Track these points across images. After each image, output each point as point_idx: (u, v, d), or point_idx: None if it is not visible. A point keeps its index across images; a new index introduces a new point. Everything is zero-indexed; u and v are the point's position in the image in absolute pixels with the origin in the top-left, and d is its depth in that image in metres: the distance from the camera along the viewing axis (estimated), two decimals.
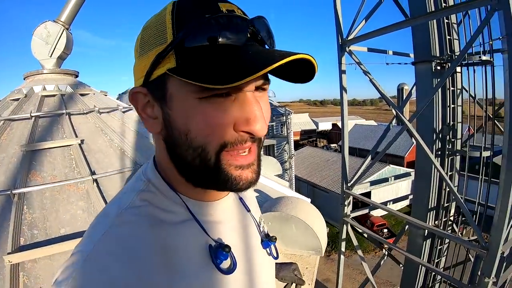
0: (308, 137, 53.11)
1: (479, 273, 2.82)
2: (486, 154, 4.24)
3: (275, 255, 0.92)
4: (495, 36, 3.42)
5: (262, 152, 0.70)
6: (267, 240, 0.89)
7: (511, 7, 2.22)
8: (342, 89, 6.35)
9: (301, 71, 0.61)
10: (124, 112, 3.87)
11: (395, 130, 7.57)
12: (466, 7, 2.90)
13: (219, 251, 0.68)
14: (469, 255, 4.76)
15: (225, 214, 0.76)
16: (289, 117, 17.83)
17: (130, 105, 4.02)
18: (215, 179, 0.63)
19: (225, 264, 0.69)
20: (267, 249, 0.89)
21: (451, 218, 4.62)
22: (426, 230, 4.34)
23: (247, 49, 0.56)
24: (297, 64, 0.56)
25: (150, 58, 0.60)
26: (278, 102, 27.83)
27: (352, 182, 6.63)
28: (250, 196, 0.96)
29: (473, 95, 4.44)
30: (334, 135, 49.48)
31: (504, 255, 2.66)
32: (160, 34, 0.59)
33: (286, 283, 1.57)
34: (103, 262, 0.55)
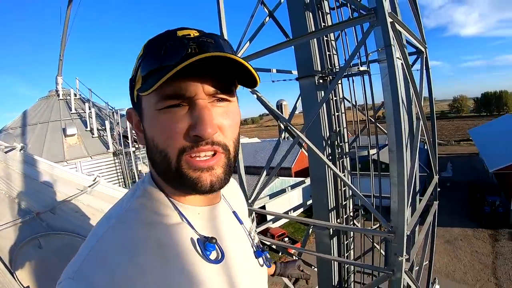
0: None
1: (392, 254, 3.19)
2: (373, 151, 4.75)
3: (268, 264, 1.00)
4: (369, 49, 4.02)
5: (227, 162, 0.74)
6: (259, 250, 0.96)
7: (388, 24, 2.73)
8: None
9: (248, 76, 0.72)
10: (6, 152, 3.38)
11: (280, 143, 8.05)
12: (347, 25, 3.36)
13: (207, 243, 0.76)
14: (374, 243, 5.34)
15: (216, 219, 0.86)
16: None
17: (11, 145, 3.55)
18: (178, 180, 0.72)
19: (213, 254, 0.78)
20: (260, 258, 0.96)
21: (351, 214, 5.06)
22: (331, 229, 4.61)
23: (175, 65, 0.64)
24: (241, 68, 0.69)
25: (135, 82, 0.75)
26: None
27: (252, 198, 6.82)
28: (243, 210, 1.06)
29: (355, 102, 4.93)
30: None
31: (409, 234, 3.08)
32: (136, 62, 0.75)
33: (294, 279, 1.70)
34: (104, 255, 0.65)
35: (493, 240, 19.47)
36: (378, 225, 5.45)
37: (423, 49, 4.48)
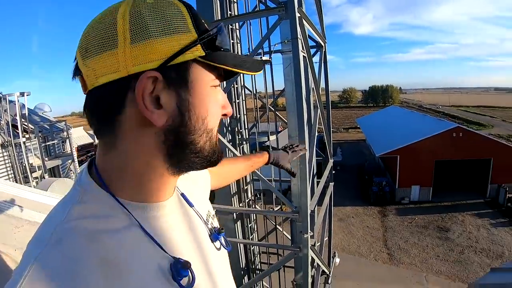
0: (87, 152, 49.40)
1: (298, 233, 3.48)
2: (272, 137, 5.00)
3: (226, 245, 0.92)
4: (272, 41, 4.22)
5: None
6: (216, 233, 0.89)
7: (297, 19, 2.92)
8: None
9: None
10: None
11: None
12: (257, 15, 3.50)
13: (180, 270, 0.66)
14: (276, 224, 5.70)
15: (172, 215, 0.75)
16: (69, 132, 16.20)
17: None
18: (214, 159, 0.72)
19: (186, 280, 0.68)
20: (217, 241, 0.89)
21: (252, 198, 5.31)
22: (235, 213, 4.76)
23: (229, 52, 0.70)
24: None
25: (174, 42, 0.60)
26: (54, 118, 24.73)
27: None
28: (192, 190, 0.93)
29: (255, 90, 5.13)
30: None
31: (311, 213, 3.39)
32: (179, 22, 0.61)
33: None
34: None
35: (382, 216, 22.03)
36: (279, 207, 5.85)
37: (323, 44, 4.84)
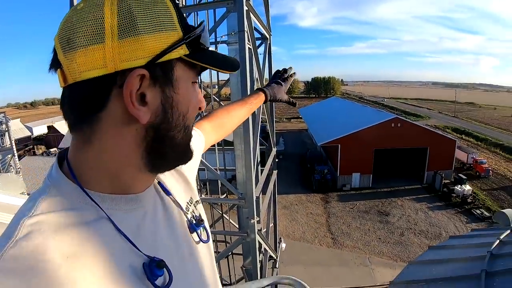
0: (24, 146, 46.22)
1: (245, 218, 3.62)
2: None
3: (205, 238, 0.87)
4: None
5: None
6: (194, 224, 0.85)
7: (244, 11, 3.02)
8: None
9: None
10: None
11: None
12: (206, 7, 3.53)
13: (154, 269, 0.63)
14: (222, 212, 5.83)
15: (147, 207, 0.72)
16: (8, 124, 15.05)
17: None
18: (187, 154, 0.74)
19: (160, 280, 0.65)
20: (195, 233, 0.84)
21: (197, 188, 5.41)
22: None
23: (211, 50, 0.75)
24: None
25: (161, 40, 0.60)
26: None
27: None
28: (173, 174, 0.90)
29: (200, 81, 5.17)
30: (52, 139, 45.46)
31: (256, 199, 3.55)
32: (168, 20, 0.62)
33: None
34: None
35: (325, 203, 23.10)
36: (225, 195, 5.98)
37: (268, 36, 4.98)
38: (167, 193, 0.82)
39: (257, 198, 3.58)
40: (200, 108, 0.75)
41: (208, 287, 0.87)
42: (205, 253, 0.87)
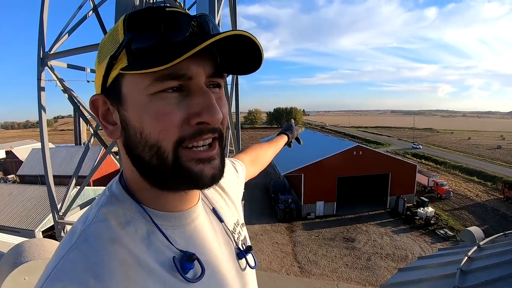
0: None
1: None
2: None
3: (252, 264, 0.89)
4: None
5: (222, 151, 0.72)
6: (243, 251, 0.86)
7: None
8: (41, 108, 5.94)
9: (249, 57, 0.68)
10: None
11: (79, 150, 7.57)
12: None
13: (184, 261, 0.68)
14: None
15: (195, 225, 0.77)
16: None
17: None
18: (176, 177, 0.65)
19: (192, 272, 0.69)
20: (243, 260, 0.86)
21: None
22: None
23: (186, 41, 0.60)
24: (242, 49, 0.66)
25: (105, 63, 0.65)
26: None
27: (63, 210, 6.40)
28: (223, 205, 0.94)
29: None
30: (10, 164, 43.39)
31: None
32: (113, 40, 0.64)
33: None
34: (63, 281, 0.55)
35: (290, 232, 23.52)
36: None
37: None
38: (220, 220, 0.87)
39: None
40: (204, 123, 0.64)
41: None
42: (249, 280, 0.87)
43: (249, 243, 0.94)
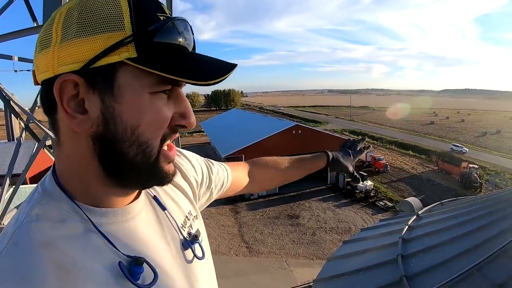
0: None
1: None
2: None
3: (200, 254, 0.86)
4: None
5: None
6: (189, 240, 0.84)
7: None
8: None
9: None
10: None
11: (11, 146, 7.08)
12: None
13: (133, 267, 0.64)
14: None
15: (136, 220, 0.73)
16: None
17: None
18: (152, 175, 0.67)
19: (143, 277, 0.65)
20: (188, 250, 0.83)
21: None
22: None
23: (197, 54, 0.67)
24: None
25: (98, 42, 0.57)
26: None
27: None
28: (168, 192, 0.90)
29: None
30: None
31: None
32: (114, 19, 0.58)
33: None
34: None
35: (234, 213, 23.82)
36: None
37: None
38: (163, 208, 0.83)
39: None
40: (183, 126, 0.69)
41: None
42: (201, 271, 0.85)
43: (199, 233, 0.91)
